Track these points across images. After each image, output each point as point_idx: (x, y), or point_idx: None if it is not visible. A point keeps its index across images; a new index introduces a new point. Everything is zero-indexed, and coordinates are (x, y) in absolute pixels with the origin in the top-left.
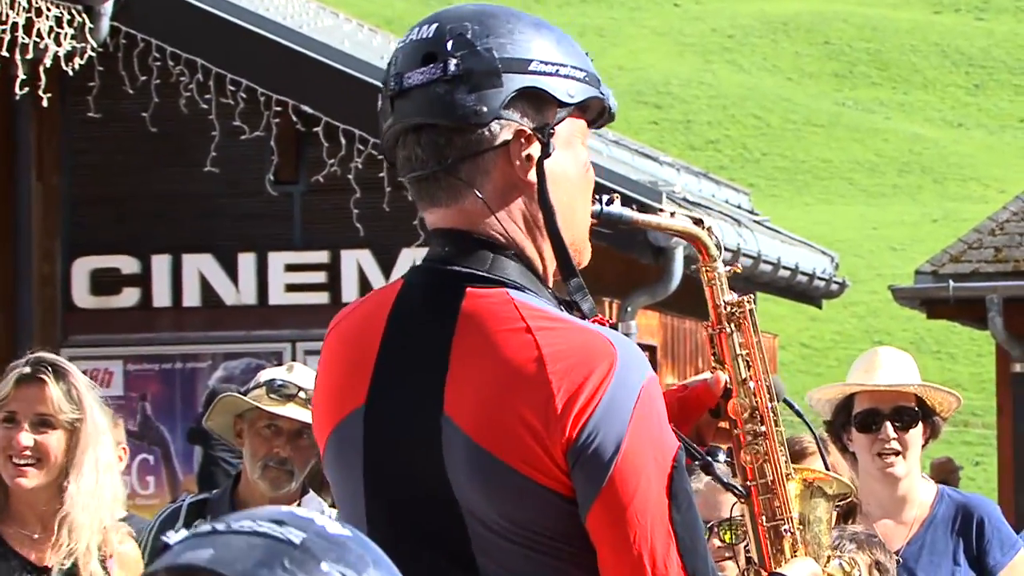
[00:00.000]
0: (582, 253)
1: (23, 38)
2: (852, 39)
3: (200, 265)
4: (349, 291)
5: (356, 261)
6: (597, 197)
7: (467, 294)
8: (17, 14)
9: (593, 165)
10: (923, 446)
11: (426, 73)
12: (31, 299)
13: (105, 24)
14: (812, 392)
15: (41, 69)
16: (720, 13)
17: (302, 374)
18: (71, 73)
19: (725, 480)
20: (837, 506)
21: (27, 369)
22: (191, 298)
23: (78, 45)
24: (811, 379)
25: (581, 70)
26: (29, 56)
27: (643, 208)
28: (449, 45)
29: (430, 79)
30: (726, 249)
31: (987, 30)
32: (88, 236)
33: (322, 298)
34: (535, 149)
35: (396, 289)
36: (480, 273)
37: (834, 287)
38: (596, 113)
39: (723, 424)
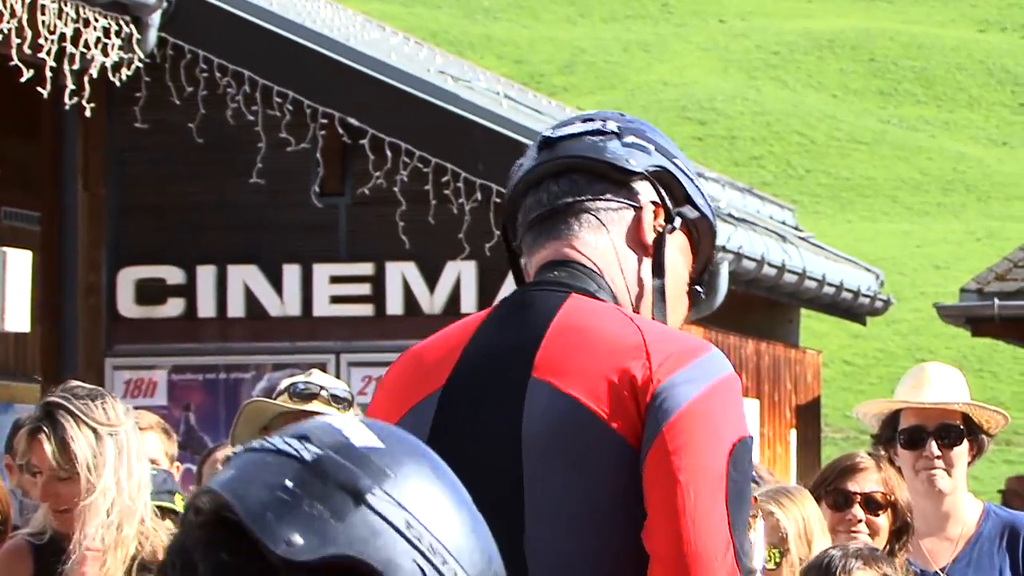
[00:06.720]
0: None
1: (71, 48)
2: (897, 57)
3: (245, 276)
4: (394, 303)
5: (401, 273)
6: None
7: (572, 296)
8: (65, 24)
9: None
10: (969, 463)
11: (583, 127)
12: (76, 309)
13: (152, 35)
14: (859, 407)
15: (87, 79)
16: (765, 30)
17: (321, 377)
18: (118, 84)
19: None
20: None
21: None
22: (236, 309)
23: (125, 56)
24: (853, 396)
25: (710, 197)
26: (76, 66)
27: None
28: (607, 120)
29: (586, 131)
30: (770, 264)
31: None
32: (133, 246)
33: (367, 310)
34: (662, 223)
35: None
36: (589, 290)
37: (878, 304)
38: (702, 266)
39: None
